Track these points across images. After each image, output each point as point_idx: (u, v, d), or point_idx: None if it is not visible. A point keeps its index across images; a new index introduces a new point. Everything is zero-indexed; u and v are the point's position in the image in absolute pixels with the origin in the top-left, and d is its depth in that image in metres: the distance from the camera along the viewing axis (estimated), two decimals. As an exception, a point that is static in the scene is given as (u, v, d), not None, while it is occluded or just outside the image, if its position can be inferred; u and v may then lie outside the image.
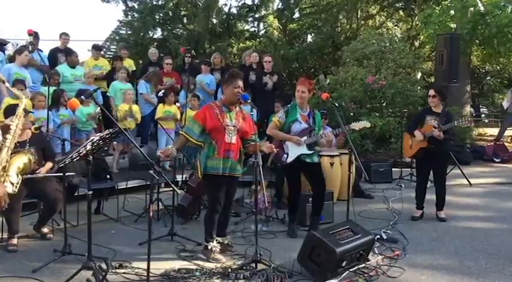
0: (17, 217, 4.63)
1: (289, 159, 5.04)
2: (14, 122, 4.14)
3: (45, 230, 4.87)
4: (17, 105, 4.45)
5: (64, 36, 8.57)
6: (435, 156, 5.64)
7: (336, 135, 5.70)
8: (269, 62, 8.62)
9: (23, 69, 7.12)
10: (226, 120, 4.34)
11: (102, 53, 11.37)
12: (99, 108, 6.87)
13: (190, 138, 4.35)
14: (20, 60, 7.05)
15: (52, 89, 6.73)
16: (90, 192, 3.91)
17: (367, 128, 5.53)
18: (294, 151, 5.03)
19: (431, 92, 5.74)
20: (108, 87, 8.24)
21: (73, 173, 5.07)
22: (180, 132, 4.51)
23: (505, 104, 11.98)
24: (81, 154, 3.76)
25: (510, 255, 4.48)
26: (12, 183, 4.07)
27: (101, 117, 7.50)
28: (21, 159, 4.26)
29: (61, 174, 4.62)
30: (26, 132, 4.75)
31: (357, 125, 5.19)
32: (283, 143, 5.07)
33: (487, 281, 3.92)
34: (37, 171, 4.69)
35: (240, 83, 4.41)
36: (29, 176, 4.58)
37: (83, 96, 4.09)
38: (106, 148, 7.10)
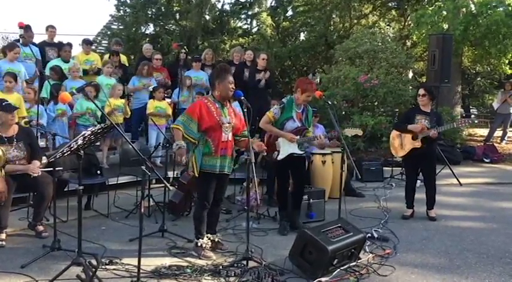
0: (6, 212, 4.57)
1: (280, 157, 5.04)
2: None
3: (40, 227, 4.80)
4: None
5: (51, 29, 8.45)
6: (424, 156, 5.66)
7: (330, 139, 5.69)
8: (264, 59, 8.60)
9: (16, 63, 7.07)
10: (222, 118, 4.28)
11: (93, 47, 11.29)
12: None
13: (188, 137, 4.19)
14: (9, 57, 7.01)
15: (52, 83, 6.68)
16: (81, 188, 3.87)
17: (358, 136, 5.57)
18: (285, 149, 5.02)
19: (421, 91, 5.75)
20: None
21: (61, 168, 5.02)
22: (174, 126, 4.26)
23: (495, 105, 12.09)
24: (73, 149, 3.72)
25: (499, 255, 4.52)
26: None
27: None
28: None
29: (51, 168, 4.58)
30: (13, 127, 4.69)
31: (349, 131, 5.26)
32: (276, 139, 5.06)
33: (477, 280, 3.94)
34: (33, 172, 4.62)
35: (232, 78, 4.39)
36: (21, 172, 4.55)
37: (74, 90, 4.05)
38: (98, 143, 7.06)
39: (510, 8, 10.50)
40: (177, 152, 4.21)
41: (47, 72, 7.56)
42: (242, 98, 4.49)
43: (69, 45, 8.28)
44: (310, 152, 6.42)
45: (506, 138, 12.10)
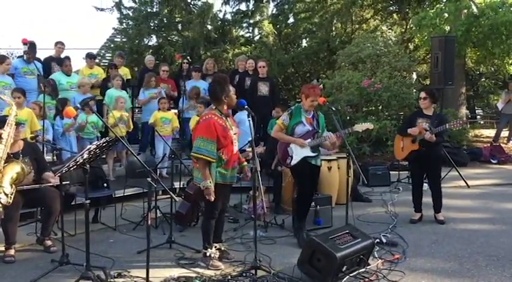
0: (14, 227, 4.59)
1: (294, 162, 5.03)
2: (5, 131, 4.13)
3: (48, 242, 4.80)
4: (5, 116, 4.44)
5: (60, 45, 8.58)
6: (427, 159, 5.65)
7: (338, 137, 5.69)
8: (263, 67, 8.61)
9: (6, 77, 7.15)
10: (231, 131, 4.30)
11: (97, 61, 11.37)
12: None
13: (212, 160, 4.14)
14: (1, 70, 7.07)
15: (49, 97, 6.73)
16: (88, 201, 3.89)
17: (370, 129, 5.52)
18: (298, 153, 5.01)
19: (422, 94, 5.75)
20: (102, 95, 8.21)
21: (68, 182, 5.04)
22: (197, 156, 4.14)
23: (500, 105, 12.04)
24: (78, 163, 3.74)
25: (510, 257, 4.48)
26: (7, 194, 4.05)
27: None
28: (14, 169, 4.23)
29: (58, 183, 4.60)
30: (18, 143, 4.72)
31: (360, 127, 5.18)
32: (288, 145, 5.07)
33: (488, 283, 3.92)
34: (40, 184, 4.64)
35: (232, 87, 4.43)
36: (28, 187, 4.57)
37: (78, 105, 4.08)
38: (104, 156, 7.09)
39: (512, 8, 10.49)
40: (205, 191, 4.14)
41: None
42: (246, 107, 4.51)
43: (68, 58, 8.33)
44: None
45: None
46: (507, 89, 12.21)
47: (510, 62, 12.31)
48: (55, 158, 5.88)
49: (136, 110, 10.73)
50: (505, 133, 12.26)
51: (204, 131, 4.17)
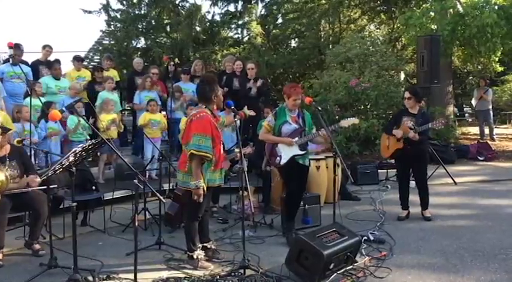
0: (2, 232, 4.57)
1: (283, 161, 5.06)
2: None
3: (37, 246, 4.78)
4: None
5: (47, 48, 8.49)
6: (412, 157, 5.72)
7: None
8: (252, 69, 8.63)
9: None
10: (219, 131, 4.33)
11: (85, 63, 11.31)
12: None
13: (211, 156, 4.13)
14: None
15: (35, 101, 6.69)
16: (74, 204, 3.89)
17: (355, 124, 5.56)
18: (286, 153, 5.05)
19: (407, 94, 5.85)
20: (88, 97, 8.14)
21: (56, 185, 5.02)
22: (198, 152, 4.07)
23: (473, 102, 12.21)
24: (64, 166, 3.74)
25: (495, 252, 4.55)
26: None
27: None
28: None
29: (45, 186, 4.59)
30: (5, 147, 4.71)
31: (345, 122, 5.18)
32: (276, 146, 5.10)
33: (472, 278, 3.97)
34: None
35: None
36: (16, 190, 4.55)
37: (64, 108, 4.08)
38: (91, 159, 7.05)
39: (497, 7, 10.61)
40: (195, 191, 4.12)
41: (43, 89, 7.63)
42: (232, 107, 4.53)
43: (58, 62, 8.25)
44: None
45: (494, 134, 12.14)
46: (478, 85, 12.38)
47: (496, 59, 12.46)
48: (40, 161, 5.85)
49: (126, 113, 10.70)
50: (487, 130, 12.36)
51: (201, 127, 4.12)
